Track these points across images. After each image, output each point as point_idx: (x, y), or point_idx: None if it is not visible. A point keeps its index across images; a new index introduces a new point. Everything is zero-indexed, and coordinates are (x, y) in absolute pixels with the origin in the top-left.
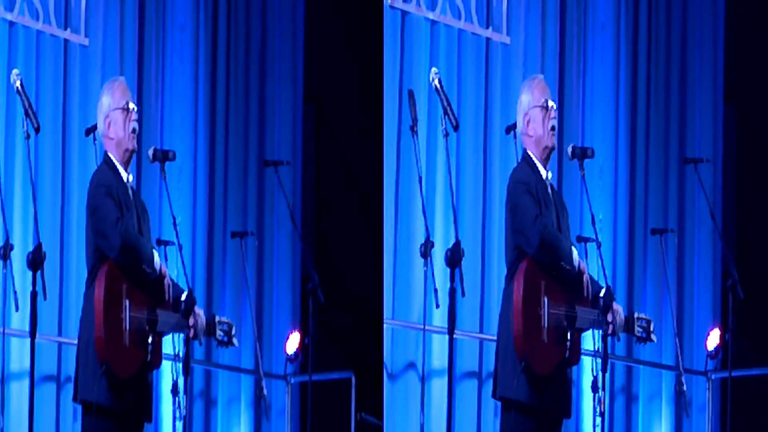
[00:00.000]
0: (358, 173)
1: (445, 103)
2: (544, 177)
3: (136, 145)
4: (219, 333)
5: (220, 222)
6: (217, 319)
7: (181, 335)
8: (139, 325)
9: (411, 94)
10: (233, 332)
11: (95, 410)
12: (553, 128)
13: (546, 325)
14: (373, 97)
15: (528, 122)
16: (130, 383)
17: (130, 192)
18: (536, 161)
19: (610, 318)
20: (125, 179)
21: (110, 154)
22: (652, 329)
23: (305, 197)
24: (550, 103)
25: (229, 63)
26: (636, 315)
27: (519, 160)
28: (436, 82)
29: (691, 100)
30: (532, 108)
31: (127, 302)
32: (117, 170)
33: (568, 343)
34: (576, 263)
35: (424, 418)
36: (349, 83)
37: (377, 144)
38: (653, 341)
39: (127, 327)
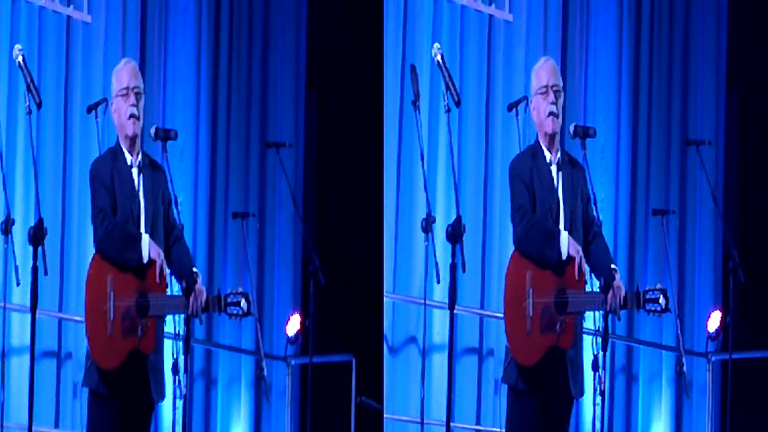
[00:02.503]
0: (360, 155)
1: (447, 79)
2: (547, 160)
3: (137, 131)
4: (229, 307)
5: (222, 203)
6: (228, 291)
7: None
8: (127, 313)
9: (413, 69)
10: (243, 302)
11: (92, 395)
12: (551, 113)
13: (530, 315)
14: (376, 74)
15: (533, 109)
16: (119, 372)
17: (134, 175)
18: (542, 145)
19: (609, 297)
20: (129, 162)
21: (120, 139)
22: (666, 298)
23: (307, 179)
24: (551, 87)
25: (232, 42)
26: (642, 289)
27: (523, 138)
28: (439, 57)
29: (694, 82)
30: (534, 95)
31: (112, 293)
32: (121, 155)
33: (558, 329)
34: (564, 250)
35: (424, 392)
36: (351, 62)
37: (379, 124)
38: (670, 311)
39: (111, 317)
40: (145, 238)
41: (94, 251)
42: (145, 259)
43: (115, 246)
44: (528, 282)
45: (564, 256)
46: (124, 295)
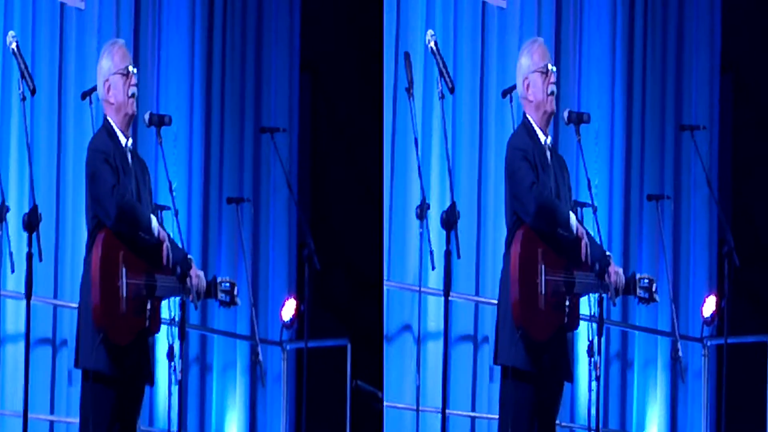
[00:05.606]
0: (354, 138)
1: (441, 66)
2: (542, 142)
3: (135, 110)
4: (220, 294)
5: (216, 188)
6: (219, 279)
7: (176, 299)
8: (137, 291)
9: (407, 56)
10: (235, 291)
11: (95, 377)
12: (552, 93)
13: (543, 292)
14: (369, 60)
15: (527, 86)
16: (128, 349)
17: (129, 156)
18: (535, 126)
19: (611, 278)
20: (124, 144)
21: (109, 119)
22: (654, 289)
23: (301, 163)
24: (550, 67)
25: (225, 27)
26: (637, 275)
27: (517, 124)
28: (432, 44)
29: (688, 67)
30: (531, 72)
31: (124, 270)
32: (115, 135)
33: (567, 309)
34: (574, 228)
35: (420, 380)
36: (345, 47)
37: (373, 108)
38: (656, 301)
39: (124, 294)
40: (154, 219)
41: (96, 228)
42: (156, 239)
43: (132, 223)
44: (540, 257)
45: (573, 236)
46: (135, 273)
